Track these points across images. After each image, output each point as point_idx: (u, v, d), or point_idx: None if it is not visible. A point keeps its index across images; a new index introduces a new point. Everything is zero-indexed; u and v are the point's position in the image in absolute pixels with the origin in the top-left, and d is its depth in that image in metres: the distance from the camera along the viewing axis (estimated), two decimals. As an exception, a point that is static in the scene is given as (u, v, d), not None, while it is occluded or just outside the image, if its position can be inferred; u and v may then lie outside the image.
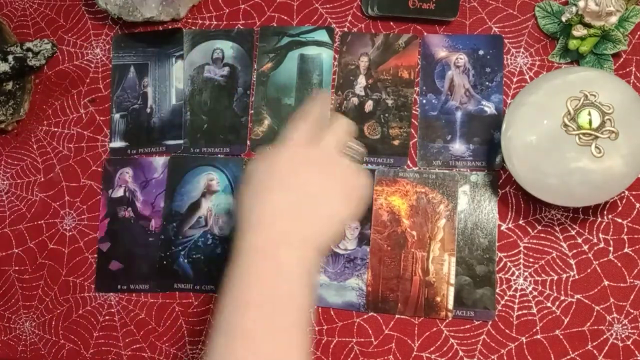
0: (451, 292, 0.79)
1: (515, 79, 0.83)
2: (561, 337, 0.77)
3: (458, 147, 0.82)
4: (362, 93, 0.85)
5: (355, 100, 0.85)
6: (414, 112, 0.84)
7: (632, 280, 0.77)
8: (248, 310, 0.63)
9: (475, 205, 0.81)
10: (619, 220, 0.78)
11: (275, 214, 0.66)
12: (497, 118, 0.82)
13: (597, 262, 0.78)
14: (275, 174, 0.67)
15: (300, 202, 0.66)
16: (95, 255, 0.87)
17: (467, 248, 0.80)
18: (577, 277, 0.78)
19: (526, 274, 0.79)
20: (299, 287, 0.65)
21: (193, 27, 0.91)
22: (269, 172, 0.67)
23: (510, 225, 0.80)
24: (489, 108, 0.82)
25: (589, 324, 0.77)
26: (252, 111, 0.87)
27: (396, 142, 0.83)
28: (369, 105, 0.85)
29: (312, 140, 0.68)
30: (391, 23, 0.87)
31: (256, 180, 0.68)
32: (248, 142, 0.87)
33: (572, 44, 0.79)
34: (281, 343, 0.62)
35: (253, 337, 0.62)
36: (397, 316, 0.80)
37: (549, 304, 0.78)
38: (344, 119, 0.70)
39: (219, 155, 0.87)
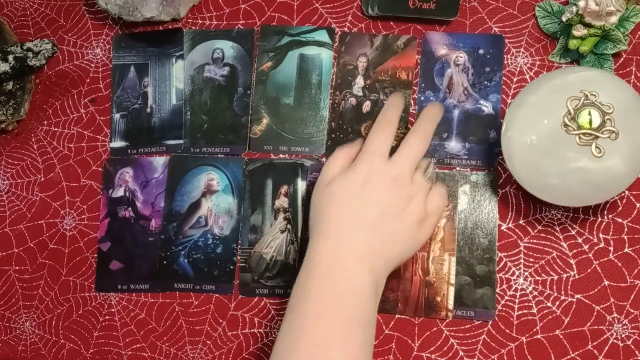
0: (451, 292, 0.79)
1: (515, 79, 0.83)
2: (561, 337, 0.77)
3: (454, 145, 0.82)
4: (360, 94, 0.85)
5: (353, 100, 0.85)
6: (412, 111, 0.84)
7: (632, 281, 0.77)
8: (314, 315, 0.67)
9: (475, 205, 0.81)
10: (620, 220, 0.78)
11: (355, 223, 0.70)
12: (494, 118, 0.82)
13: (597, 262, 0.78)
14: (357, 184, 0.71)
15: (380, 218, 0.70)
16: (96, 256, 0.88)
17: (468, 248, 0.80)
18: (577, 277, 0.78)
19: (526, 274, 0.78)
20: (368, 300, 0.68)
21: (193, 27, 0.91)
22: (351, 180, 0.71)
23: (510, 225, 0.80)
24: (487, 108, 0.82)
25: (589, 324, 0.77)
26: (251, 110, 0.87)
27: (393, 144, 0.82)
28: (366, 106, 0.85)
29: (389, 152, 0.73)
30: (391, 23, 0.87)
31: (337, 185, 0.72)
32: (249, 142, 0.87)
33: (573, 44, 0.79)
34: (347, 349, 0.65)
35: (320, 339, 0.65)
36: (397, 316, 0.80)
37: (549, 304, 0.78)
38: (423, 134, 0.75)
39: (220, 155, 0.87)
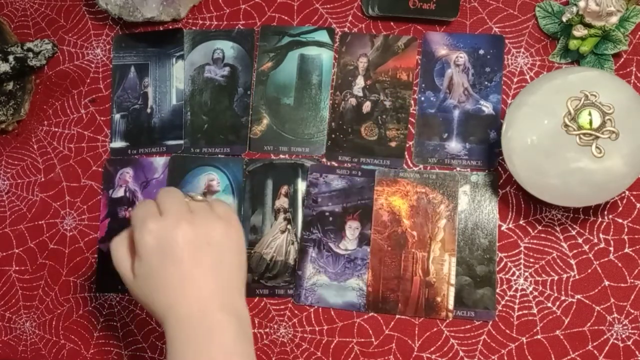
0: (451, 292, 0.79)
1: (515, 79, 0.83)
2: (561, 337, 0.77)
3: (454, 145, 0.82)
4: (360, 94, 0.85)
5: (353, 101, 0.85)
6: (412, 111, 0.84)
7: (632, 281, 0.77)
8: None
9: (475, 205, 0.81)
10: (620, 221, 0.78)
11: (182, 285, 0.65)
12: (494, 118, 0.82)
13: (597, 262, 0.78)
14: (154, 255, 0.66)
15: (195, 260, 0.65)
16: (96, 256, 0.88)
17: (468, 248, 0.80)
18: (577, 277, 0.78)
19: (526, 274, 0.78)
20: (240, 339, 0.64)
21: (193, 27, 0.91)
22: (146, 258, 0.66)
23: (510, 226, 0.80)
24: (487, 108, 0.82)
25: (589, 324, 0.77)
26: (251, 110, 0.87)
27: (393, 144, 0.83)
28: (366, 106, 0.85)
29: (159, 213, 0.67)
30: (391, 23, 0.87)
31: (141, 270, 0.66)
32: (249, 142, 0.87)
33: (573, 44, 0.79)
34: None
35: None
36: (397, 316, 0.80)
37: (549, 304, 0.78)
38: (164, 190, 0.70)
39: (220, 156, 0.87)
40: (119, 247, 0.69)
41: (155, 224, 0.66)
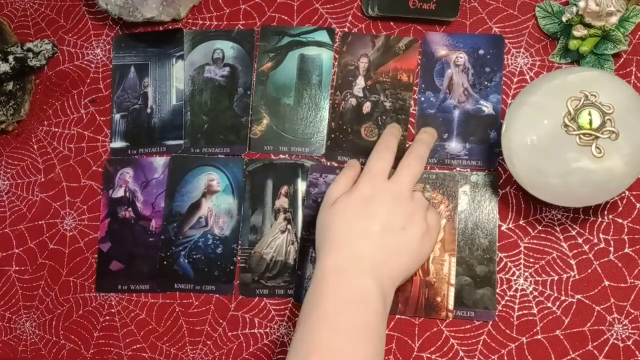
0: (451, 292, 0.79)
1: (515, 79, 0.83)
2: (561, 337, 0.77)
3: (454, 145, 0.82)
4: (361, 94, 0.85)
5: (353, 101, 0.85)
6: (412, 111, 0.84)
7: (632, 281, 0.77)
8: (324, 327, 0.66)
9: (475, 205, 0.81)
10: (620, 221, 0.78)
11: (360, 238, 0.70)
12: (494, 118, 0.82)
13: (597, 262, 0.78)
14: (360, 201, 0.72)
15: (383, 232, 0.71)
16: (96, 256, 0.88)
17: (468, 248, 0.80)
18: (577, 277, 0.78)
19: (526, 274, 0.79)
20: (375, 310, 0.68)
21: (193, 27, 0.91)
22: (354, 198, 0.72)
23: (510, 226, 0.80)
24: (487, 108, 0.82)
25: (589, 324, 0.77)
26: (251, 110, 0.87)
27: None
28: (366, 107, 0.85)
29: (390, 173, 0.74)
30: (391, 23, 0.87)
31: (341, 204, 0.72)
32: (249, 142, 0.87)
33: (573, 44, 0.79)
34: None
35: (329, 350, 0.65)
36: (397, 316, 0.80)
37: (549, 304, 0.78)
38: (419, 156, 0.76)
39: (220, 156, 0.87)
40: (342, 177, 0.76)
41: (380, 183, 0.73)
